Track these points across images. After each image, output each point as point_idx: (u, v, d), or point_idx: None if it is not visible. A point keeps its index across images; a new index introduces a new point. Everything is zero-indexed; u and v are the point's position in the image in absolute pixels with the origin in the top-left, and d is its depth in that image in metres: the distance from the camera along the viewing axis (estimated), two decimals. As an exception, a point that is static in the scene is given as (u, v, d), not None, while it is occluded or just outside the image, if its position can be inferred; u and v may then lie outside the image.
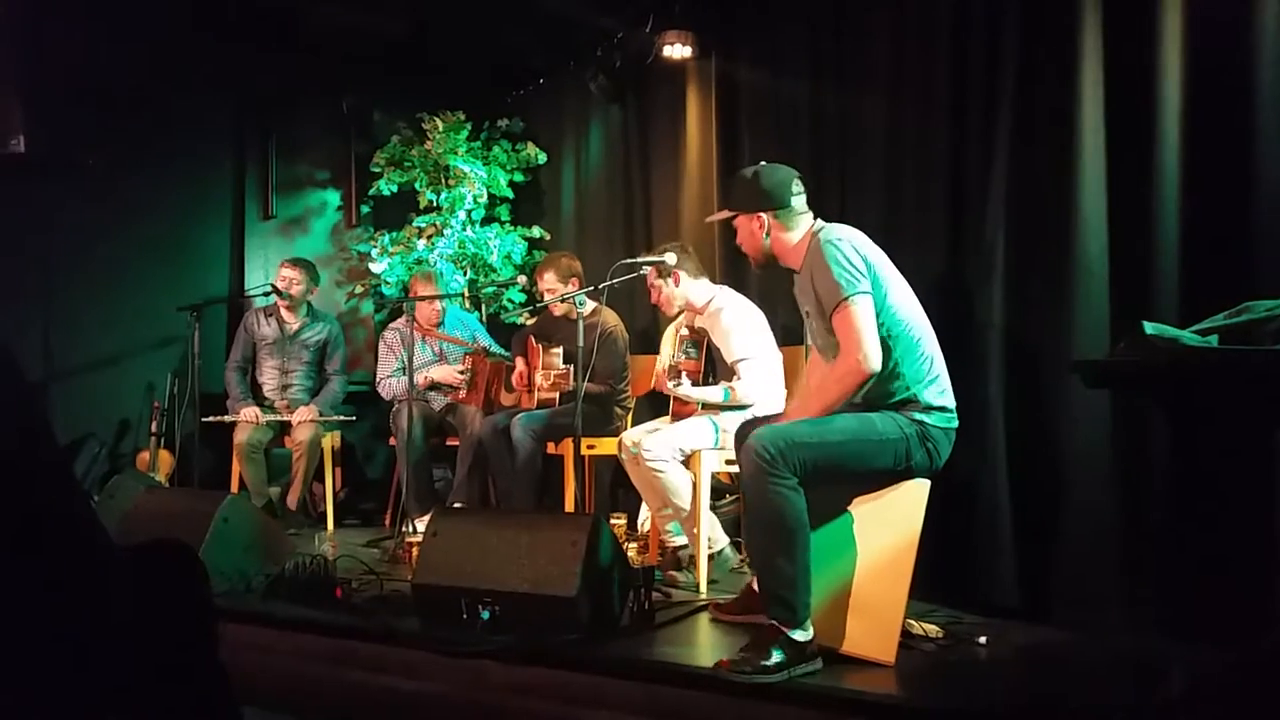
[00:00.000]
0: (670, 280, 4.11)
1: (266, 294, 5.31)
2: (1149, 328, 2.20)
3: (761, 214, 3.00)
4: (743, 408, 3.88)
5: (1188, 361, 2.15)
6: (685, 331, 4.14)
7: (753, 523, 2.80)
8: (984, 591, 3.32)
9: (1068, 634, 3.09)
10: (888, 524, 2.81)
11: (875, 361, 2.74)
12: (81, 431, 5.34)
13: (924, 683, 2.66)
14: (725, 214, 3.13)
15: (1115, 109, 3.17)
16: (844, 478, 2.82)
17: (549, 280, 4.75)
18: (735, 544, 4.04)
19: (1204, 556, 2.82)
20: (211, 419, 5.09)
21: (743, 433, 3.16)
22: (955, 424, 2.88)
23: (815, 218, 3.04)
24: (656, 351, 4.56)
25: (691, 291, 4.12)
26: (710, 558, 3.76)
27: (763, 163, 3.08)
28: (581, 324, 3.79)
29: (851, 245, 2.83)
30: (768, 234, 3.01)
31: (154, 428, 5.35)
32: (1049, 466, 3.27)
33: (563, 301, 4.57)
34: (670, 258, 4.02)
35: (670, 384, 3.98)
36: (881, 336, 2.79)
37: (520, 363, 4.87)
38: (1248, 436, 2.67)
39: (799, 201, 3.01)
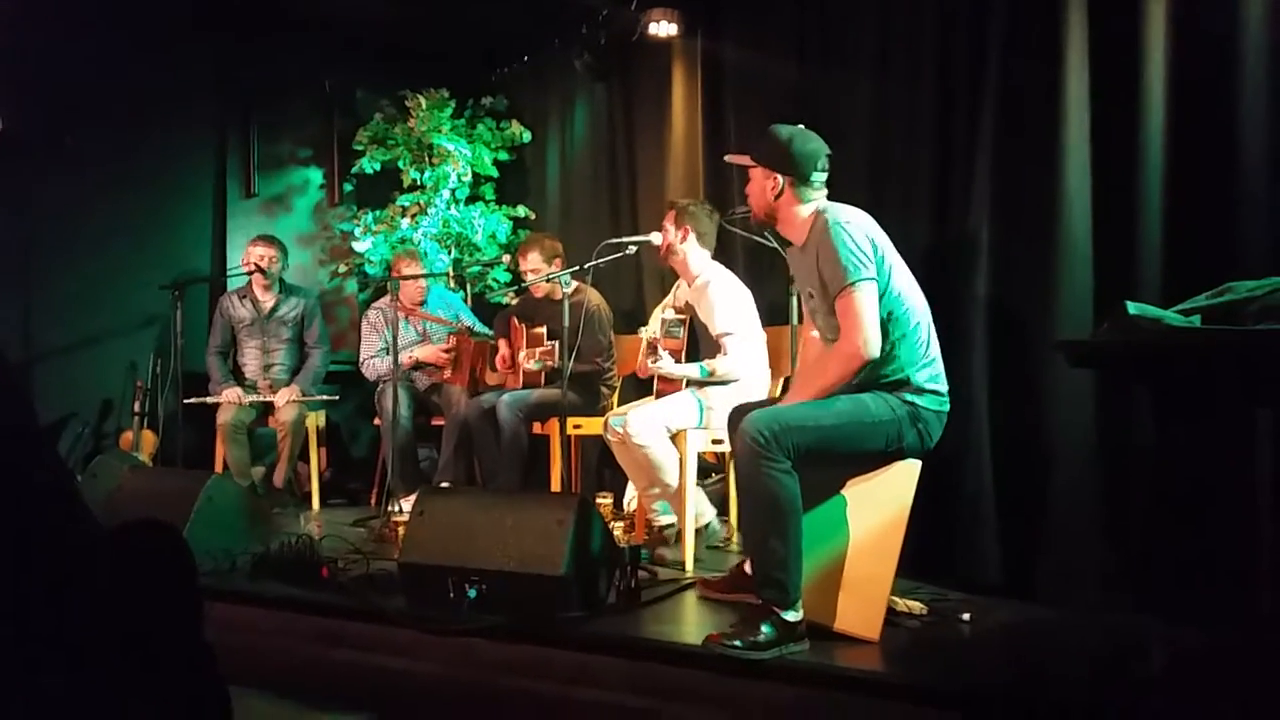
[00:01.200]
0: (681, 233, 4.06)
1: (250, 272, 5.27)
2: (1132, 307, 2.21)
3: (779, 176, 2.96)
4: (725, 383, 3.88)
5: (1170, 341, 2.16)
6: (671, 314, 4.13)
7: (746, 505, 2.81)
8: (967, 569, 3.35)
9: (1051, 611, 3.11)
10: (878, 504, 2.83)
11: (875, 348, 2.75)
12: (64, 411, 5.31)
13: (908, 659, 2.68)
14: (745, 160, 3.06)
15: (1100, 89, 3.17)
16: (836, 460, 2.83)
17: (533, 261, 4.72)
18: (722, 519, 4.06)
19: (1186, 534, 2.84)
20: (193, 400, 5.07)
21: (735, 417, 3.16)
22: (947, 406, 2.89)
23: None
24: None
25: (691, 255, 4.07)
26: (698, 531, 3.77)
27: (801, 126, 3.01)
28: (566, 303, 3.77)
29: (862, 229, 2.82)
30: (778, 196, 2.97)
31: (137, 407, 5.32)
32: (1032, 444, 3.29)
33: (547, 281, 4.56)
34: (674, 233, 4.02)
35: (649, 361, 3.96)
36: (881, 318, 2.79)
37: (503, 345, 4.85)
38: (1230, 416, 2.69)
39: (819, 179, 2.96)
